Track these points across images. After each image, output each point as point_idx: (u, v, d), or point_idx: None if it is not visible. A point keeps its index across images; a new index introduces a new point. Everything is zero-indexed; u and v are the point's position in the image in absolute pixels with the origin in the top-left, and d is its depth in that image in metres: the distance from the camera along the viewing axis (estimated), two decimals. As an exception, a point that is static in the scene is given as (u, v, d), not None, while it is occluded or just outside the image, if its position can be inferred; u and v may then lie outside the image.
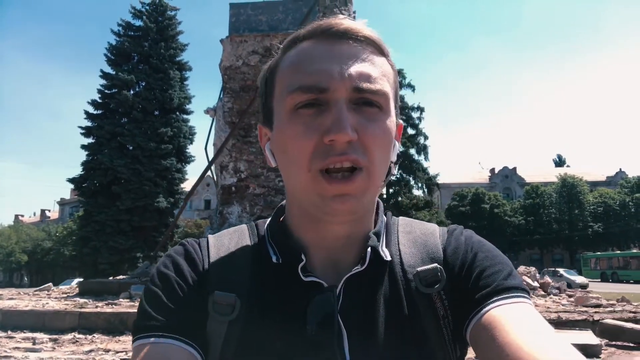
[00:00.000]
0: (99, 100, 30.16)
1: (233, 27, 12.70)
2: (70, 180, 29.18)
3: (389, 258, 0.71)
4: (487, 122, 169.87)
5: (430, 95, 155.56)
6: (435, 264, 0.70)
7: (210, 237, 0.76)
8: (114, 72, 30.07)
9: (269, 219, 0.78)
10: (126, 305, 7.78)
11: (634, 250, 38.34)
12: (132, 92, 29.95)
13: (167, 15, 32.40)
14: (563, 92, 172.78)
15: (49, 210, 79.58)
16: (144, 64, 30.61)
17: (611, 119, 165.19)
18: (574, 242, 51.16)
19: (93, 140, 29.69)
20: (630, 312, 7.50)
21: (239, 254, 0.72)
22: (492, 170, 65.28)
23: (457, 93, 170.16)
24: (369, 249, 0.69)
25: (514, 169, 64.07)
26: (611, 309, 7.99)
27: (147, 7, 32.13)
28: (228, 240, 0.75)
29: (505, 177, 63.84)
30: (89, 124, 29.98)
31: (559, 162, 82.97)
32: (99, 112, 30.25)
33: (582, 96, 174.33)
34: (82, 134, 29.70)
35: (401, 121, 0.73)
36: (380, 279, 0.70)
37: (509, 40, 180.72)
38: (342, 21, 0.65)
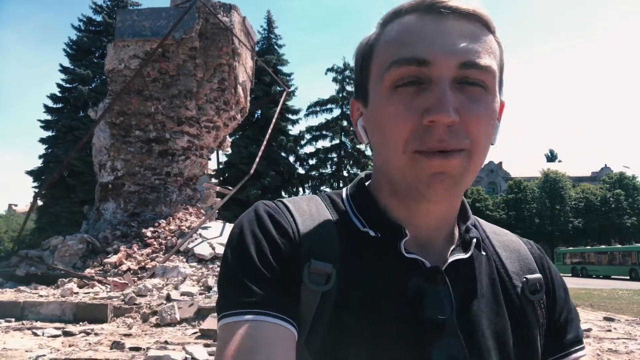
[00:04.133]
0: (58, 94, 30.95)
1: (118, 32, 13.28)
2: (29, 173, 30.08)
3: (484, 253, 0.72)
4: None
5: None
6: (539, 275, 0.73)
7: (286, 200, 0.71)
8: (72, 67, 30.81)
9: (344, 190, 0.75)
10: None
11: (602, 246, 38.49)
12: (90, 86, 30.68)
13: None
14: (558, 86, 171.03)
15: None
16: (102, 58, 31.29)
17: (604, 115, 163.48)
18: (554, 237, 51.34)
19: (53, 134, 30.54)
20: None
21: (324, 222, 0.68)
22: (478, 165, 65.35)
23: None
24: (474, 240, 0.69)
25: (500, 163, 64.05)
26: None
27: (108, 3, 32.75)
28: (306, 205, 0.70)
29: (491, 172, 63.88)
30: (48, 117, 30.84)
31: (551, 157, 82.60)
32: (59, 105, 31.06)
33: (578, 91, 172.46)
34: (41, 127, 30.58)
35: (504, 99, 0.69)
36: (481, 272, 0.70)
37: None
38: None
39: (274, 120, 15.55)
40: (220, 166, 26.97)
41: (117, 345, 5.19)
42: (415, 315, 0.62)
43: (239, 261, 0.63)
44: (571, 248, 40.56)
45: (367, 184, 0.74)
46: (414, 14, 0.62)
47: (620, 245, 36.95)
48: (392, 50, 0.61)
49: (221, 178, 29.30)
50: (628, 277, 28.66)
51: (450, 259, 0.66)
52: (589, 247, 39.42)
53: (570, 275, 34.65)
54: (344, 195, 0.74)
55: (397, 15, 0.64)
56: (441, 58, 0.58)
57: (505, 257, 0.74)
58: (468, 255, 0.68)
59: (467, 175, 0.61)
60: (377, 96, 0.63)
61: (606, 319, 8.70)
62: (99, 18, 32.40)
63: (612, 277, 30.43)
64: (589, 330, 6.86)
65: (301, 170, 40.40)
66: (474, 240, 0.69)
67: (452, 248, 0.69)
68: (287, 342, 0.58)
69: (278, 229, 0.65)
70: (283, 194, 36.47)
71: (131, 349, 5.14)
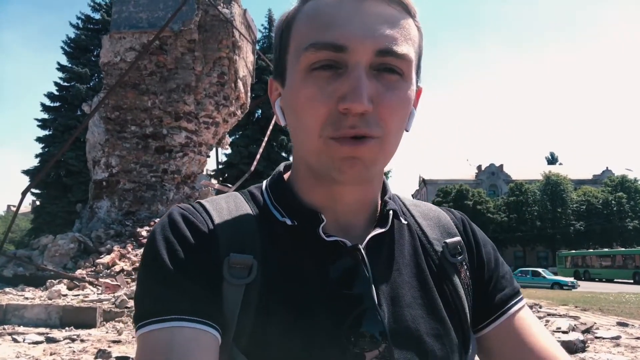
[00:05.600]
0: (56, 93, 30.45)
1: (115, 24, 12.85)
2: (25, 172, 29.56)
3: (405, 222, 0.73)
4: (478, 118, 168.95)
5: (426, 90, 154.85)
6: (458, 238, 0.74)
7: (203, 201, 0.70)
8: (69, 65, 30.32)
9: (264, 183, 0.75)
10: None
11: (605, 249, 38.06)
12: (88, 84, 30.17)
13: (127, 9, 32.56)
14: (559, 88, 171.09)
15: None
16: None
17: (605, 118, 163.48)
18: (556, 240, 50.93)
19: (50, 133, 30.03)
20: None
21: (243, 217, 0.67)
22: (479, 167, 64.98)
23: (453, 91, 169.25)
24: (390, 212, 0.70)
25: (501, 166, 63.69)
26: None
27: (107, 0, 32.25)
28: (225, 203, 0.70)
29: (492, 174, 63.46)
30: (45, 116, 30.33)
31: (552, 160, 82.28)
32: (56, 104, 30.55)
33: (579, 93, 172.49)
34: (38, 126, 30.08)
35: (421, 86, 0.69)
36: (402, 242, 0.71)
37: (501, 35, 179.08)
38: None
39: (274, 120, 15.07)
40: (220, 166, 26.49)
41: (102, 354, 4.68)
42: (341, 295, 0.62)
43: (152, 268, 0.61)
44: (573, 251, 40.18)
45: (287, 175, 0.74)
46: None
47: (622, 249, 36.47)
48: (309, 30, 0.60)
49: (221, 178, 28.79)
50: (632, 281, 28.28)
51: (369, 235, 0.66)
52: (591, 250, 39.02)
53: (573, 278, 34.24)
54: (263, 187, 0.73)
55: None
56: (358, 44, 0.57)
57: (425, 225, 0.75)
58: (387, 228, 0.68)
59: (378, 161, 0.62)
60: (294, 77, 0.62)
61: (619, 323, 8.38)
62: (97, 16, 31.93)
63: (615, 280, 30.00)
64: (618, 337, 6.38)
65: (302, 171, 39.79)
66: (391, 212, 0.70)
67: (374, 225, 0.69)
68: (207, 346, 0.56)
69: (192, 230, 0.63)
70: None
71: (118, 358, 4.63)
